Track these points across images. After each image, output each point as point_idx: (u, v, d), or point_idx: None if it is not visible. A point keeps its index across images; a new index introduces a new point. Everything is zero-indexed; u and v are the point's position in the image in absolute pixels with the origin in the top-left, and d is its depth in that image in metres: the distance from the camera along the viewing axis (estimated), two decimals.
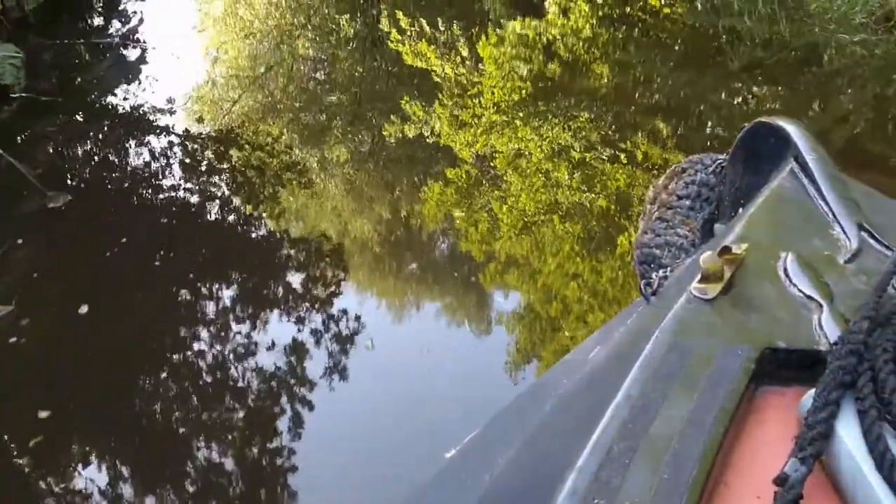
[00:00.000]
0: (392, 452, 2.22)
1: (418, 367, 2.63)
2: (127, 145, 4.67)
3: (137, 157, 4.47)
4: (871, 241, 0.95)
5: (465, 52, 5.91)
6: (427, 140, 4.49)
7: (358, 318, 2.96)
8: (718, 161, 1.47)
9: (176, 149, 4.55)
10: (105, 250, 3.32)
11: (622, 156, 3.99)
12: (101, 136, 4.80)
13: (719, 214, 1.37)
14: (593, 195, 3.66)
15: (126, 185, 4.19)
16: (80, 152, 4.55)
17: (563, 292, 3.08)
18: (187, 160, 4.45)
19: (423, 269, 3.55)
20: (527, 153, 4.22)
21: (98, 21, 6.90)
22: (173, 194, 4.03)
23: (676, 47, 6.01)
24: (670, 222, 1.36)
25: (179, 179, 4.19)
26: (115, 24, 6.89)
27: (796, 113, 4.42)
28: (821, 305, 0.80)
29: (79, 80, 5.52)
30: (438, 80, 5.36)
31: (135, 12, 7.26)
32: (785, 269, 0.86)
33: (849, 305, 0.79)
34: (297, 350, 2.76)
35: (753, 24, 5.42)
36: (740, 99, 4.71)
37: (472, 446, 0.97)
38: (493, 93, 4.98)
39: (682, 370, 0.73)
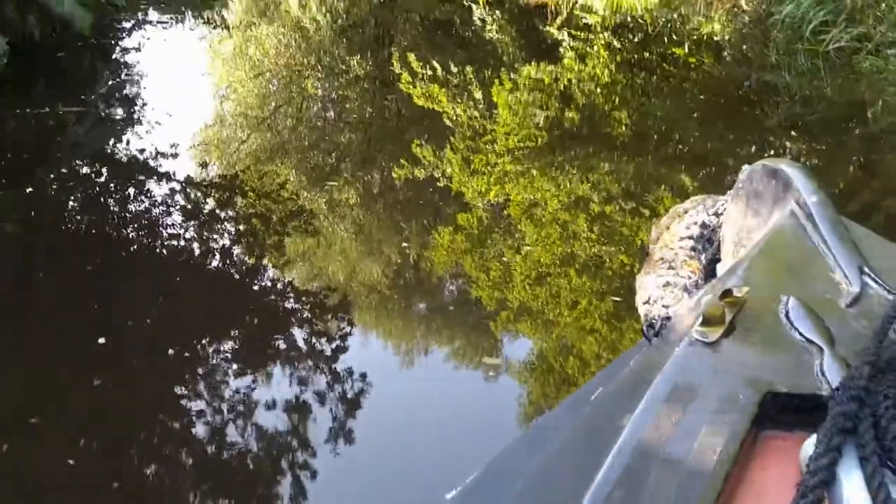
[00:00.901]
0: (394, 493, 2.23)
1: (425, 411, 2.67)
2: (114, 196, 4.48)
3: (127, 207, 4.26)
4: (873, 285, 0.96)
5: (477, 96, 5.89)
6: (438, 185, 4.44)
7: (366, 366, 2.96)
8: (720, 202, 1.49)
9: (175, 196, 4.36)
10: (94, 309, 3.20)
11: (644, 209, 3.89)
12: (85, 188, 4.52)
13: (721, 255, 1.39)
14: (612, 248, 3.61)
15: (117, 236, 4.01)
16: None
17: (574, 340, 3.10)
18: (188, 206, 4.29)
19: (433, 315, 3.51)
20: (542, 203, 4.16)
21: (84, 77, 6.36)
22: (172, 244, 3.89)
23: (702, 97, 5.89)
24: (672, 262, 1.39)
25: (179, 228, 4.04)
26: (104, 78, 6.39)
27: (838, 171, 4.32)
28: (822, 349, 0.82)
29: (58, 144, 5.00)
30: (450, 123, 5.31)
31: (128, 64, 6.85)
32: (786, 313, 0.87)
33: (850, 350, 0.81)
34: (302, 402, 2.74)
35: (792, 78, 5.22)
36: (773, 154, 4.51)
37: (473, 488, 0.98)
38: (507, 139, 4.93)
39: (684, 414, 0.74)
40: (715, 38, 7.45)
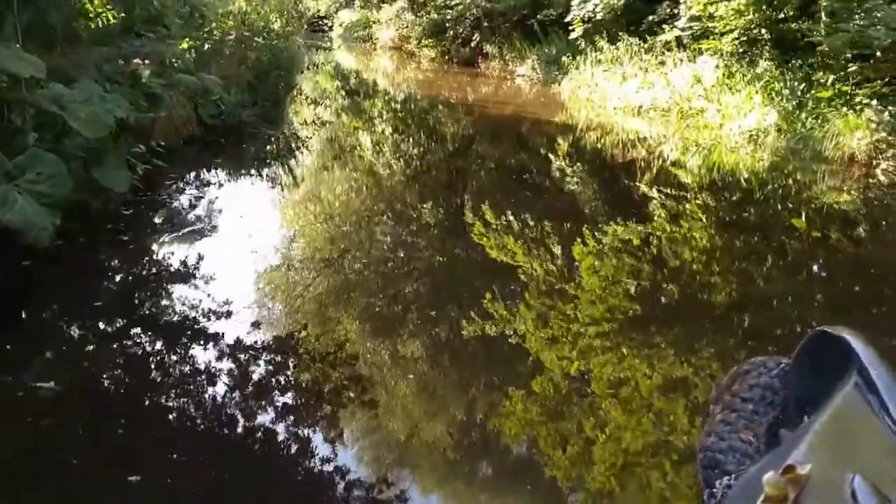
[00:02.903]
0: None
1: None
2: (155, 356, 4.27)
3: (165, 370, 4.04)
4: None
5: (556, 251, 5.80)
6: (511, 345, 4.28)
7: None
8: (782, 365, 1.45)
9: (225, 356, 4.13)
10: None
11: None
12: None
13: (784, 420, 1.35)
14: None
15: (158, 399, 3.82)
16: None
17: None
18: (239, 368, 4.04)
19: (499, 490, 3.37)
20: (633, 383, 3.89)
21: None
22: (225, 410, 3.64)
23: (824, 274, 5.52)
24: (734, 426, 1.38)
25: (228, 393, 3.80)
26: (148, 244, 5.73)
27: None
28: None
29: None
30: (525, 279, 5.20)
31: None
32: (852, 492, 0.83)
33: None
34: None
35: None
36: None
37: None
38: (593, 308, 4.74)
39: None
40: (842, 210, 7.23)
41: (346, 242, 6.31)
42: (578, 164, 9.29)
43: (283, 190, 8.06)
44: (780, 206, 7.38)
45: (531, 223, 6.46)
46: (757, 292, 5.12)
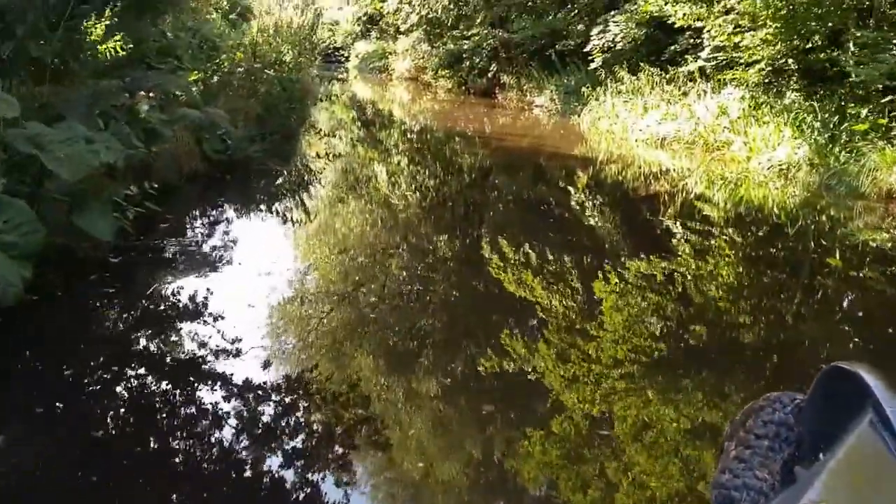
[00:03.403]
0: None
1: None
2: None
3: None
4: None
5: (576, 286, 5.67)
6: (529, 383, 4.17)
7: None
8: (796, 401, 1.39)
9: (237, 396, 3.96)
10: None
11: None
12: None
13: (799, 457, 1.30)
14: None
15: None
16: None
17: None
18: (249, 407, 3.88)
19: None
20: (658, 427, 3.74)
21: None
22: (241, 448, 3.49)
23: (860, 314, 5.25)
24: (748, 463, 1.29)
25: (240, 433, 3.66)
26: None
27: None
28: None
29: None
30: (544, 315, 5.06)
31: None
32: None
33: None
34: None
35: None
36: None
37: None
38: (615, 348, 4.58)
39: None
40: (880, 248, 7.01)
41: (356, 291, 5.76)
42: (599, 197, 9.14)
43: (287, 232, 7.49)
44: (813, 244, 7.20)
45: (551, 258, 6.33)
46: (789, 333, 4.95)
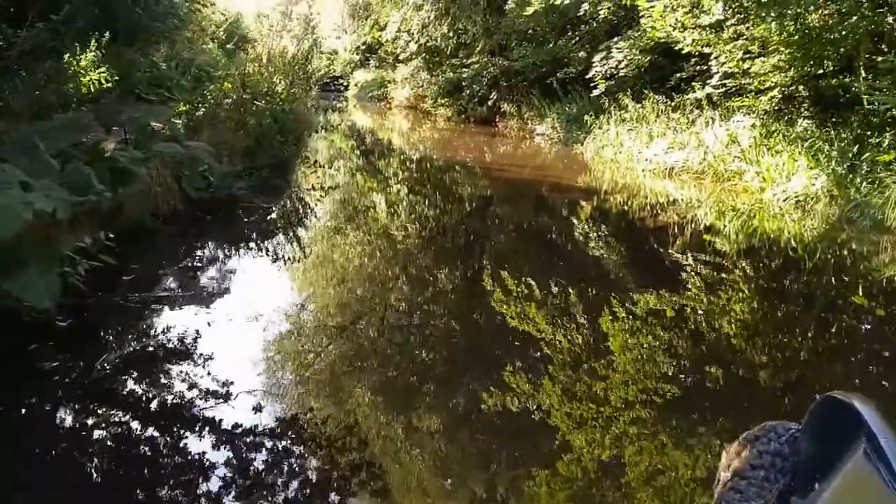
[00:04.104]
0: None
1: None
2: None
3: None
4: None
5: (581, 322, 5.53)
6: (533, 421, 4.08)
7: None
8: (791, 430, 1.52)
9: (233, 435, 3.81)
10: None
11: None
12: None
13: (795, 487, 1.40)
14: None
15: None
16: None
17: None
18: (247, 448, 3.74)
19: None
20: (673, 474, 3.58)
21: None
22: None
23: (885, 354, 5.03)
24: (745, 493, 1.43)
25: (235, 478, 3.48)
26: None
27: None
28: None
29: None
30: (549, 351, 4.94)
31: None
32: None
33: None
34: None
35: None
36: None
37: None
38: (626, 389, 4.41)
39: None
40: None
41: (345, 350, 5.03)
42: (605, 228, 8.97)
43: (272, 277, 6.78)
44: (834, 279, 6.99)
45: (555, 291, 6.19)
46: (810, 375, 4.77)
